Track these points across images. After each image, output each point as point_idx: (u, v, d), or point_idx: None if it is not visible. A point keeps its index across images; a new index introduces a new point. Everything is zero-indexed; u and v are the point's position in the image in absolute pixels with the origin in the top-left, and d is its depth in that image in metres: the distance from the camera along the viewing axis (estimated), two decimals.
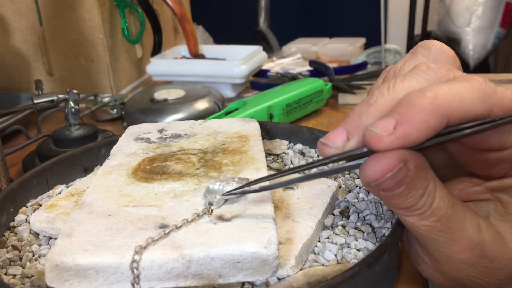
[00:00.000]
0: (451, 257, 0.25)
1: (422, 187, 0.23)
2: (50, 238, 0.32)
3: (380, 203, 0.33)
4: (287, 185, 0.27)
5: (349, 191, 0.36)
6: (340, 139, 0.24)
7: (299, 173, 0.26)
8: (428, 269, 0.27)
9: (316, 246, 0.30)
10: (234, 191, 0.27)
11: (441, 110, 0.21)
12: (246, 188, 0.27)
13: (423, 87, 0.22)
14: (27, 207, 0.36)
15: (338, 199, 0.35)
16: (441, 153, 0.28)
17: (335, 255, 0.29)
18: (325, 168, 0.25)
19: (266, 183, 0.27)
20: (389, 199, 0.23)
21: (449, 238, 0.24)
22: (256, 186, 0.27)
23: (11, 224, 0.34)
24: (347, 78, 0.74)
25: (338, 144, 0.24)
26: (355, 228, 0.31)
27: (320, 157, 0.25)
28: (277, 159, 0.42)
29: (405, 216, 0.24)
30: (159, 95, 0.65)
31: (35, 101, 0.53)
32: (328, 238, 0.31)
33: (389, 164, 0.22)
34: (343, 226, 0.31)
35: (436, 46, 0.27)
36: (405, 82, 0.24)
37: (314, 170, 0.26)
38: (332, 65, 0.80)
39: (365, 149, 0.23)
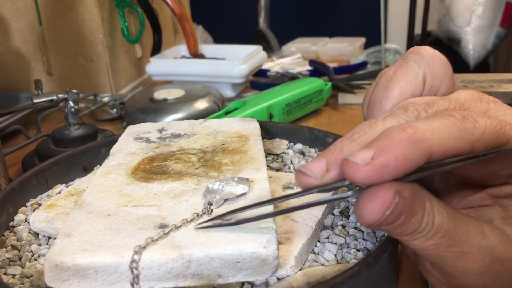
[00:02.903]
0: (465, 270, 0.24)
1: (421, 209, 0.22)
2: (49, 237, 0.32)
3: None
4: (264, 218, 0.25)
5: (349, 191, 0.36)
6: (319, 170, 0.23)
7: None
8: (440, 284, 0.27)
9: (316, 246, 0.30)
10: (206, 224, 0.25)
11: (421, 145, 0.21)
12: (220, 221, 0.25)
13: (403, 123, 0.22)
14: (26, 207, 0.36)
15: None
16: None
17: (335, 255, 0.29)
18: (309, 200, 0.24)
19: (243, 214, 0.25)
20: (392, 230, 0.23)
21: (458, 251, 0.24)
22: (232, 219, 0.25)
23: (11, 223, 0.34)
24: (347, 78, 0.74)
25: (316, 174, 0.23)
26: (355, 228, 0.31)
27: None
28: (277, 159, 0.42)
29: (411, 241, 0.23)
30: (159, 94, 0.64)
31: (35, 101, 0.53)
32: (328, 238, 0.30)
33: (385, 202, 0.21)
34: (343, 226, 0.31)
35: (428, 51, 0.27)
36: (386, 121, 0.24)
37: (293, 201, 0.24)
38: (332, 65, 0.80)
39: (346, 182, 0.22)
